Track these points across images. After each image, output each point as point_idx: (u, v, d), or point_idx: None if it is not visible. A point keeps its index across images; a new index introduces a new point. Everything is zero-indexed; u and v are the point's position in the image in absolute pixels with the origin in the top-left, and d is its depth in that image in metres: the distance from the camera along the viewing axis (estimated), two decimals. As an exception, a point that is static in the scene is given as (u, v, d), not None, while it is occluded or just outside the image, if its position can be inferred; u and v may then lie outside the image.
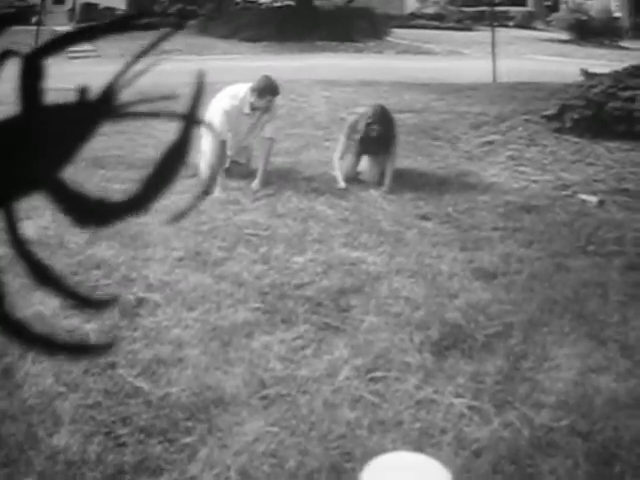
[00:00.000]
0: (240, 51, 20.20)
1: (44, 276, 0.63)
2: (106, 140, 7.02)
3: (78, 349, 0.78)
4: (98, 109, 0.62)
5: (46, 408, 3.17)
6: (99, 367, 3.49)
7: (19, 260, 0.62)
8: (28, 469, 2.80)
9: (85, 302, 0.67)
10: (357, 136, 6.56)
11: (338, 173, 6.58)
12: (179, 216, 0.71)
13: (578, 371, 3.57)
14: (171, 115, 0.62)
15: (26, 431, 3.00)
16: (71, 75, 4.53)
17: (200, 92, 0.63)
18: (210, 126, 6.33)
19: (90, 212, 0.63)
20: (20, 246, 0.63)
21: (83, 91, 0.62)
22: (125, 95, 0.63)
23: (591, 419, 3.18)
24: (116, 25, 0.65)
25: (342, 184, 6.48)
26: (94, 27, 0.65)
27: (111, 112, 0.62)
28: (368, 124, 6.45)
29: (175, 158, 0.62)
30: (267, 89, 6.25)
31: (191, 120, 0.62)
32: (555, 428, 3.12)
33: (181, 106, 0.60)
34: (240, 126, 6.37)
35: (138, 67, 0.62)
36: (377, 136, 6.44)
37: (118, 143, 7.52)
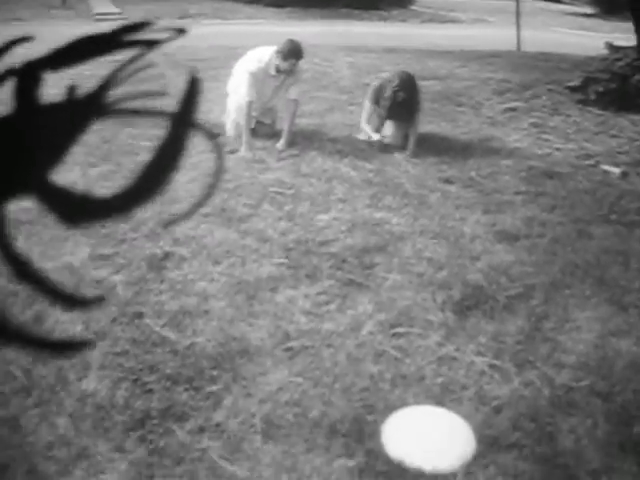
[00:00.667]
0: (265, 16, 20.09)
1: (30, 276, 0.61)
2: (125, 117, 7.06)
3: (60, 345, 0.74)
4: (88, 107, 0.60)
5: (75, 354, 3.24)
6: (127, 317, 3.57)
7: (4, 262, 0.61)
8: (60, 410, 2.89)
9: (70, 301, 0.64)
10: (383, 102, 6.56)
11: (368, 129, 6.62)
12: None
13: (599, 334, 3.61)
14: (164, 114, 0.60)
15: (57, 374, 3.09)
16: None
17: (194, 91, 0.60)
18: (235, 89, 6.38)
19: (76, 210, 0.60)
20: (6, 248, 0.61)
21: (72, 89, 0.60)
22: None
23: (611, 381, 3.23)
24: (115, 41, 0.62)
25: (375, 136, 6.53)
26: (98, 42, 0.62)
27: (101, 109, 0.61)
28: (395, 91, 6.44)
29: (167, 159, 0.60)
30: (292, 52, 6.28)
31: (182, 120, 0.60)
32: (575, 388, 3.17)
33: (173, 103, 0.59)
34: (265, 87, 6.41)
35: (133, 64, 0.60)
36: (402, 102, 6.44)
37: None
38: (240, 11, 20.74)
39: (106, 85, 0.60)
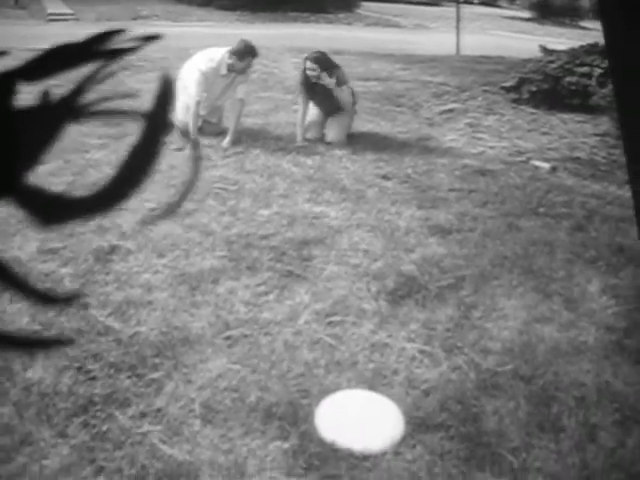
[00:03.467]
0: (215, 19, 20.13)
1: (3, 274, 0.60)
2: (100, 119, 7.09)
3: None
4: (62, 112, 0.60)
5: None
6: (72, 307, 3.64)
7: None
8: (4, 399, 2.95)
9: (45, 299, 0.62)
10: (302, 86, 6.75)
11: (298, 130, 6.82)
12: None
13: (524, 321, 3.79)
14: (137, 114, 0.59)
15: (2, 365, 3.15)
16: (51, 37, 4.62)
17: (167, 92, 0.59)
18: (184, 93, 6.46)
19: (50, 211, 0.59)
20: None
21: (45, 94, 0.59)
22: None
23: (533, 365, 3.39)
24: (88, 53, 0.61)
25: (299, 141, 6.75)
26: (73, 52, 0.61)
27: (75, 112, 0.60)
28: (304, 68, 6.65)
29: (141, 159, 0.59)
30: (248, 51, 6.42)
31: (157, 120, 0.59)
32: (500, 372, 3.32)
33: (146, 103, 0.59)
34: (215, 87, 6.53)
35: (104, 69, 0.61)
36: (317, 79, 6.62)
37: (85, 121, 7.58)
38: (191, 13, 20.76)
39: (79, 89, 0.59)
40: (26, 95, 0.61)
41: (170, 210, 0.74)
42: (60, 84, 0.57)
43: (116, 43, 0.61)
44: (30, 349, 0.77)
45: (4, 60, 0.62)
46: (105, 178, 0.57)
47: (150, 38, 0.61)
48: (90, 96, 0.60)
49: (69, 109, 0.60)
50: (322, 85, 6.60)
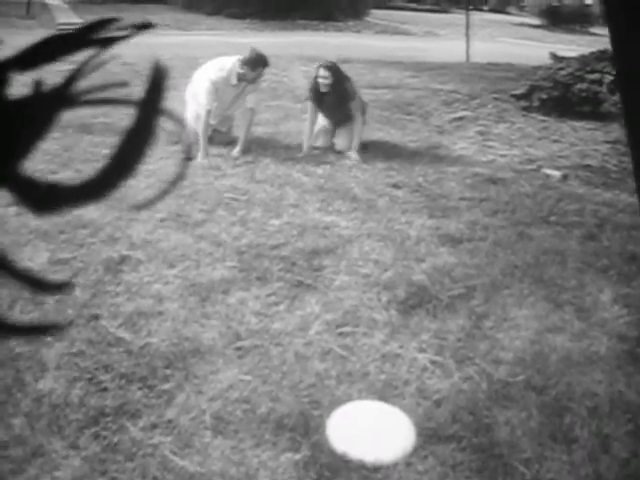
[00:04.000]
0: (224, 27, 20.25)
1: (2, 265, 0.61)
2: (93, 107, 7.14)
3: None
4: (55, 100, 0.60)
5: (33, 355, 3.32)
6: (83, 318, 3.66)
7: None
8: (16, 410, 2.96)
9: (39, 285, 0.63)
10: (312, 95, 6.74)
11: (305, 140, 6.83)
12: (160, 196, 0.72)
13: (535, 331, 3.77)
14: (130, 102, 0.60)
15: (14, 376, 3.16)
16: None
17: (159, 78, 0.59)
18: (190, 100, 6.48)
19: (43, 199, 0.60)
20: None
21: (38, 84, 0.59)
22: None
23: (546, 375, 3.37)
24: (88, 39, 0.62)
25: (305, 150, 6.76)
26: (68, 40, 0.62)
27: (68, 102, 0.60)
28: (315, 77, 6.63)
29: (134, 146, 0.59)
30: (259, 61, 6.43)
31: (150, 107, 0.59)
32: (512, 383, 3.30)
33: (140, 92, 0.60)
34: (225, 96, 6.53)
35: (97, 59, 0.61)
36: (330, 92, 6.61)
37: (104, 110, 7.63)
38: (201, 22, 20.88)
39: (72, 78, 0.59)
40: (20, 84, 0.61)
41: (164, 194, 0.72)
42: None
43: (109, 32, 0.61)
44: (27, 335, 0.76)
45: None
46: (98, 166, 0.57)
47: (143, 27, 0.62)
48: (83, 85, 0.60)
49: (62, 98, 0.60)
50: (332, 95, 6.59)
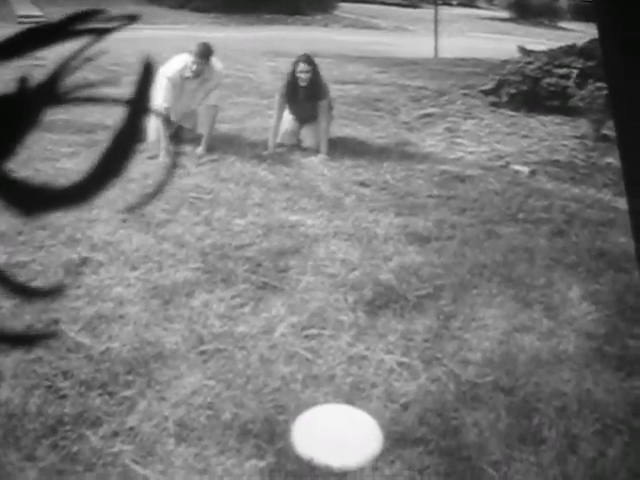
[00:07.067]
0: (189, 21, 20.11)
1: None
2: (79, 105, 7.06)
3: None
4: (39, 98, 0.59)
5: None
6: (42, 323, 3.57)
7: None
8: (-30, 421, 2.87)
9: (27, 292, 0.62)
10: (287, 89, 6.64)
11: (271, 137, 6.75)
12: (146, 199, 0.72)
13: (504, 331, 3.75)
14: (116, 101, 0.59)
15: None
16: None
17: (147, 78, 0.59)
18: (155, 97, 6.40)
19: (33, 201, 0.59)
20: None
21: (23, 81, 0.58)
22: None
23: (514, 375, 3.35)
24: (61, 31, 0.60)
25: (270, 148, 6.66)
26: (42, 33, 0.60)
27: (53, 99, 0.59)
28: (293, 71, 6.57)
29: (122, 148, 0.58)
30: (200, 53, 6.38)
31: (137, 107, 0.58)
32: (480, 384, 3.28)
33: (127, 90, 0.58)
34: (183, 92, 6.47)
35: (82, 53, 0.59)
36: (306, 85, 6.54)
37: (65, 107, 7.52)
38: (164, 16, 20.70)
39: (57, 74, 0.58)
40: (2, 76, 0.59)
41: (155, 194, 0.69)
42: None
43: (93, 23, 0.60)
44: (15, 345, 0.73)
45: None
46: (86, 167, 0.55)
47: (129, 18, 0.60)
48: (69, 82, 0.59)
49: (48, 95, 0.59)
50: (307, 90, 6.52)
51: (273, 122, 6.77)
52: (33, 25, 0.60)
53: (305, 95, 6.57)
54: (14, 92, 0.57)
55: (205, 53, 6.44)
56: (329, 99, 6.80)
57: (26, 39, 0.60)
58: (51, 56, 0.56)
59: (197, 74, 6.46)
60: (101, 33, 0.59)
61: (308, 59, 6.59)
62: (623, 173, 2.07)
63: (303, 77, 6.50)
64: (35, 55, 0.59)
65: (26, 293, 0.62)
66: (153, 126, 6.36)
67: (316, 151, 6.62)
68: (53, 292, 0.67)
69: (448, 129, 8.04)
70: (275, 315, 3.80)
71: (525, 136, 7.84)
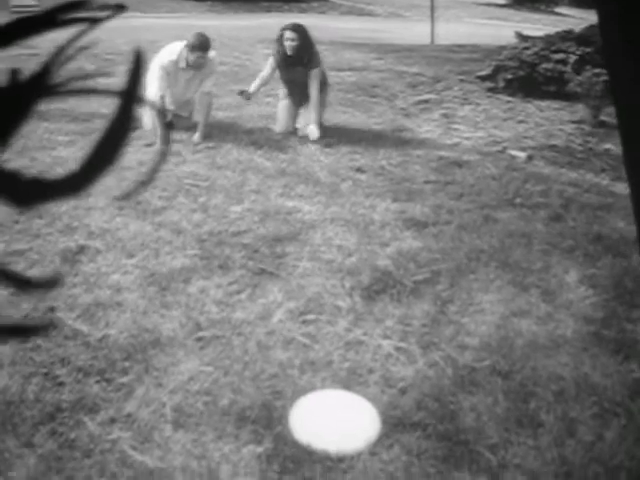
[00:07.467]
0: (185, 9, 20.01)
1: None
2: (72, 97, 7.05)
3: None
4: (32, 90, 0.59)
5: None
6: (39, 311, 3.57)
7: None
8: (-33, 408, 2.86)
9: (27, 284, 0.62)
10: (276, 57, 6.64)
11: (255, 82, 6.82)
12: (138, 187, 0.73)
13: (501, 315, 3.75)
14: (109, 92, 0.59)
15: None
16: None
17: (138, 68, 0.59)
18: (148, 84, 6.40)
19: (27, 192, 0.60)
20: None
21: (14, 73, 0.58)
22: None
23: (511, 359, 3.35)
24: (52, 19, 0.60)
25: (252, 90, 6.73)
26: (33, 21, 0.60)
27: (46, 91, 0.60)
28: (280, 39, 6.55)
29: (115, 137, 0.58)
30: (197, 45, 6.34)
31: (129, 97, 0.59)
32: (477, 368, 3.28)
33: (119, 81, 0.58)
34: (178, 81, 6.47)
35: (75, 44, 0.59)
36: (295, 54, 6.51)
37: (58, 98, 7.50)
38: (160, 4, 20.59)
39: (50, 65, 0.58)
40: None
41: (148, 180, 0.69)
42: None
43: (82, 12, 0.60)
44: (13, 336, 0.77)
45: None
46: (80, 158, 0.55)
47: (117, 7, 0.62)
48: (63, 73, 0.59)
49: (40, 88, 0.59)
50: (297, 60, 6.48)
51: (263, 73, 6.79)
52: (23, 17, 0.60)
53: (293, 63, 6.54)
54: (5, 84, 0.58)
55: (206, 46, 6.41)
56: (322, 69, 6.75)
57: (16, 28, 0.60)
58: (45, 45, 0.56)
59: (197, 66, 6.44)
60: (92, 22, 0.60)
61: (294, 27, 6.54)
62: (624, 156, 2.07)
63: (288, 45, 6.47)
64: (26, 44, 0.59)
65: (23, 285, 0.62)
66: (149, 114, 6.36)
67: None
68: (50, 283, 0.66)
69: (445, 115, 8.02)
70: (272, 301, 3.79)
71: (522, 121, 7.82)
